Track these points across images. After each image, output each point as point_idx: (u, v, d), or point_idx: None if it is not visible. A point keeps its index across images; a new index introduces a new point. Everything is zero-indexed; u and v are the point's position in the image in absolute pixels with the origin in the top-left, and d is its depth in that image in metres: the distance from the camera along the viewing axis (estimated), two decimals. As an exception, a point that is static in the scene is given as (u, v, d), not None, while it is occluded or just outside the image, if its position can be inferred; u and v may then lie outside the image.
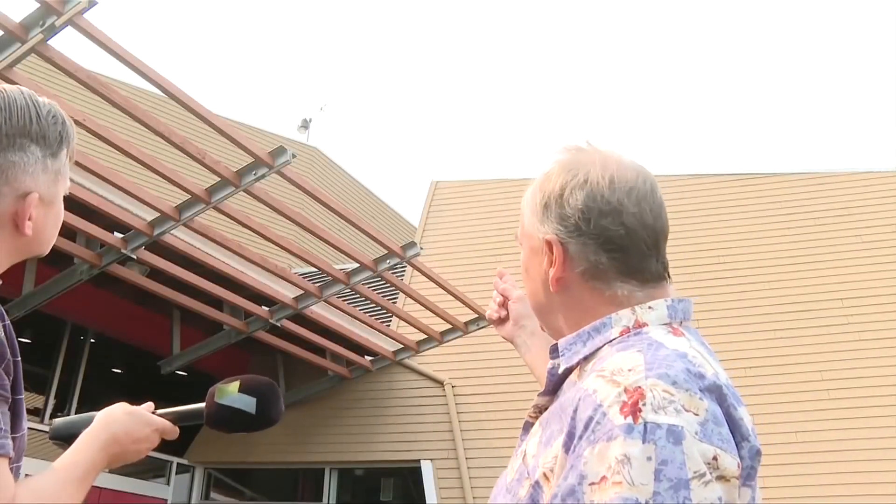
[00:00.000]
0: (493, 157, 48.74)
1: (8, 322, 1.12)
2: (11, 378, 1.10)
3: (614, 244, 1.07)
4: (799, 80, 46.44)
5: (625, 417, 0.89)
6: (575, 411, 0.95)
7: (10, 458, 1.07)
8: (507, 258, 8.40)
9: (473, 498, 7.84)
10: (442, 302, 7.95)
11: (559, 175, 1.12)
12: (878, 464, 7.13)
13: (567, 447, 0.94)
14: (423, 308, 7.90)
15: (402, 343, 8.57)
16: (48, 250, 1.27)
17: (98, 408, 1.31)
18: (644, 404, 0.89)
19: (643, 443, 0.87)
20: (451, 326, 8.17)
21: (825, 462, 7.27)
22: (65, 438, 1.30)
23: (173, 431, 1.33)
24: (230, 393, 1.31)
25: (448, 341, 8.39)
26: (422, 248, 7.37)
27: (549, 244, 1.10)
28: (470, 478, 8.01)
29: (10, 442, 1.08)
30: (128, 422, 1.27)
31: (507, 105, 52.72)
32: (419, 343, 8.54)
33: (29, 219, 1.19)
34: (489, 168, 56.53)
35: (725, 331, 8.17)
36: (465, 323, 8.11)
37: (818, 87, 47.34)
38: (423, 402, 8.80)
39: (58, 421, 1.35)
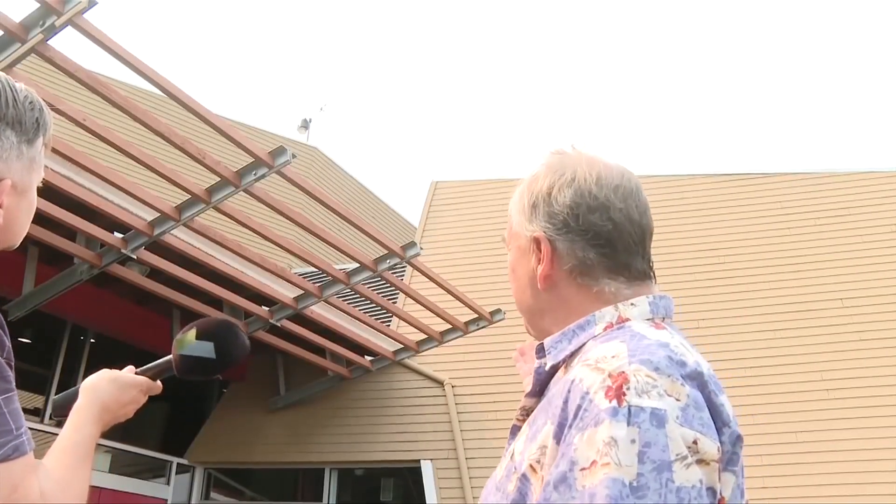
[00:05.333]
0: (493, 157, 48.75)
1: None
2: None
3: (602, 239, 1.09)
4: (798, 79, 46.45)
5: (609, 401, 0.91)
6: (565, 402, 0.97)
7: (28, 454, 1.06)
8: (506, 258, 8.38)
9: (473, 498, 7.84)
10: (442, 302, 7.95)
11: (547, 175, 1.14)
12: (878, 464, 7.13)
13: (558, 438, 0.96)
14: (423, 308, 7.90)
15: (402, 343, 8.57)
16: (19, 242, 1.22)
17: None
18: (628, 388, 0.91)
19: (627, 425, 0.89)
20: (451, 326, 8.17)
21: (825, 462, 7.26)
22: (62, 414, 1.37)
23: (156, 387, 1.40)
24: (188, 343, 1.34)
25: (448, 341, 8.39)
26: (422, 248, 7.37)
27: (538, 241, 1.13)
28: (470, 478, 8.00)
29: (25, 439, 1.06)
30: (113, 389, 1.33)
31: (506, 105, 52.73)
32: (419, 343, 8.54)
33: (0, 206, 1.12)
34: (489, 168, 56.51)
35: (725, 331, 8.17)
36: (465, 323, 8.11)
37: (817, 87, 47.36)
38: (423, 402, 8.80)
39: (55, 398, 1.43)
